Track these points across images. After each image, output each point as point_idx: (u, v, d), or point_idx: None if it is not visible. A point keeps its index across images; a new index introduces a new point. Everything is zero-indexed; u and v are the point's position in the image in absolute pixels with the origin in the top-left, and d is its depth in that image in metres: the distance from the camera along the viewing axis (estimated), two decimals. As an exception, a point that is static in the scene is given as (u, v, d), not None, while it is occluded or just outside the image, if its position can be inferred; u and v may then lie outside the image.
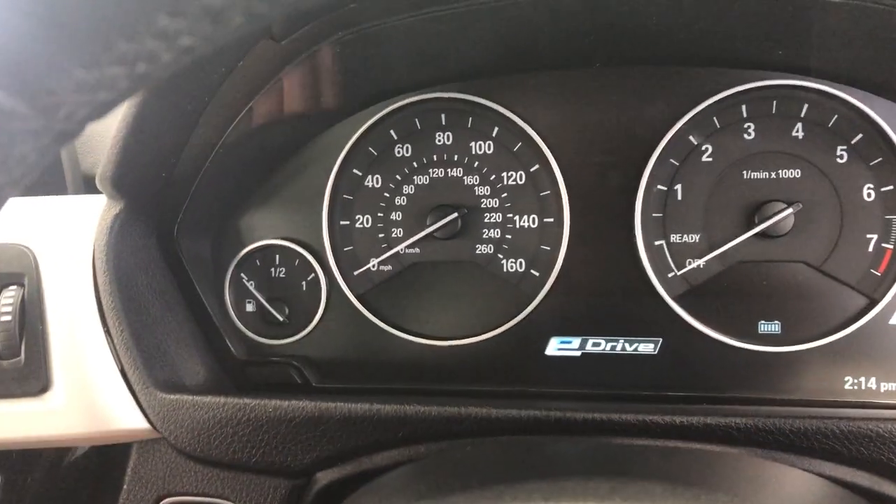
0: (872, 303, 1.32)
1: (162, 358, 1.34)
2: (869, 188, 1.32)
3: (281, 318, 1.49)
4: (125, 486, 1.43)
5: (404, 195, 1.46)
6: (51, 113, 0.50)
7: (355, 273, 1.47)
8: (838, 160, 1.33)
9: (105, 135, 1.32)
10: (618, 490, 0.76)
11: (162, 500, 1.39)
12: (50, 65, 0.47)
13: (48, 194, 1.47)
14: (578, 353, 1.41)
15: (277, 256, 1.49)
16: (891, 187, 1.31)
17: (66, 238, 1.36)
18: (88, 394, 1.30)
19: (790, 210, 1.30)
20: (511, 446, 1.16)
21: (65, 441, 1.36)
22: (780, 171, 1.34)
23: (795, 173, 1.34)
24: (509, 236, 1.43)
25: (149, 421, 1.29)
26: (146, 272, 1.37)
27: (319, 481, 1.27)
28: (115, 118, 1.23)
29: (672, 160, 1.37)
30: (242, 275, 1.50)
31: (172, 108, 1.23)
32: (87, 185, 1.78)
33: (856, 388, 1.33)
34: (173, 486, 1.39)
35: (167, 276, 1.41)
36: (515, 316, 1.42)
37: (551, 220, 1.42)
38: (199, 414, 1.26)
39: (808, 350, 1.33)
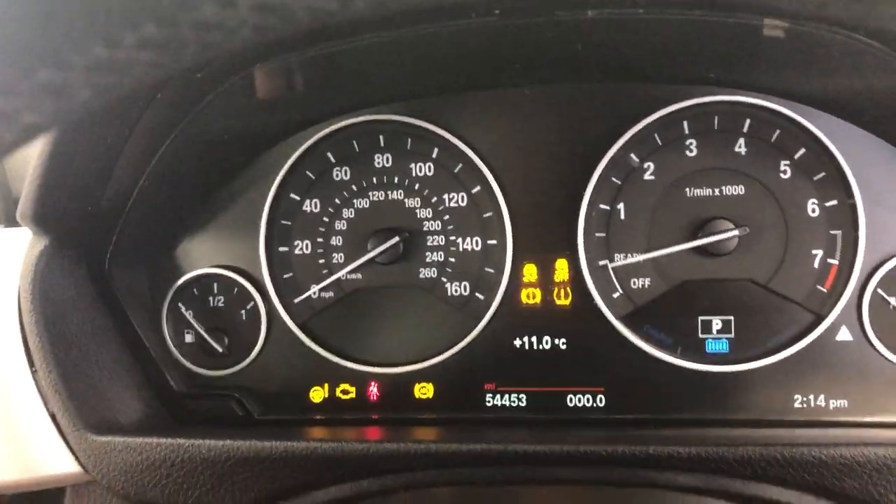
0: (819, 319, 1.30)
1: (95, 397, 1.29)
2: (813, 203, 1.30)
3: (220, 349, 1.44)
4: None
5: (344, 219, 1.42)
6: None
7: (296, 301, 1.43)
8: (782, 175, 1.30)
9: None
10: None
11: (98, 541, 1.35)
12: None
13: (-23, 226, 1.42)
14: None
15: (215, 285, 1.44)
16: (835, 202, 1.29)
17: (-8, 275, 1.31)
18: (17, 439, 1.25)
19: (735, 232, 1.28)
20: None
21: (-7, 489, 1.31)
22: (723, 188, 1.31)
23: (739, 189, 1.31)
24: (453, 259, 1.40)
25: (80, 464, 1.25)
26: (76, 308, 1.31)
27: (260, 521, 1.23)
28: (34, 149, 1.17)
29: (614, 179, 1.34)
30: (180, 304, 1.45)
31: (91, 142, 1.18)
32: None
33: (805, 405, 1.31)
34: (110, 527, 1.34)
35: (100, 311, 1.36)
36: (461, 340, 1.39)
37: (494, 241, 1.38)
38: (131, 456, 1.22)
39: (756, 369, 1.31)
